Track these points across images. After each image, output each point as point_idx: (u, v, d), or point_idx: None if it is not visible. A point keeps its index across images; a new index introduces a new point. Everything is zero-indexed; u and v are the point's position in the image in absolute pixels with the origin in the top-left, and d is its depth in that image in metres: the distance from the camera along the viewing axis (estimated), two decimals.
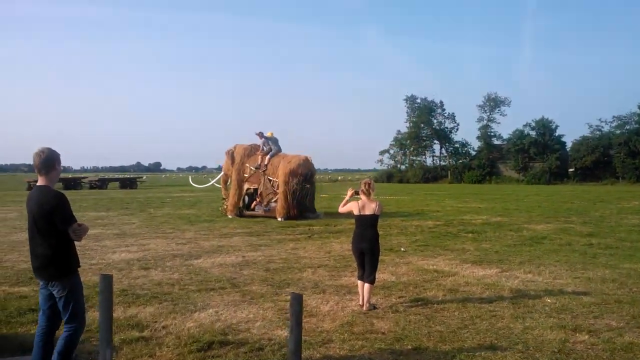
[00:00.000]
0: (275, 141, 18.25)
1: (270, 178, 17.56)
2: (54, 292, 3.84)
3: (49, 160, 3.85)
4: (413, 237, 12.35)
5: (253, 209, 17.96)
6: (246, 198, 18.40)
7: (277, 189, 17.14)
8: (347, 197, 6.29)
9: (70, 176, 57.38)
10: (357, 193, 6.29)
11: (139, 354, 4.56)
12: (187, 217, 17.47)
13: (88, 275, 7.72)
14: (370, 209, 6.14)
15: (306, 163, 17.49)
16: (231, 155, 18.72)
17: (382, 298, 6.58)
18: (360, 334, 5.17)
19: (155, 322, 5.50)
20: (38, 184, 3.91)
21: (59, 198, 3.81)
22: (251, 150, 18.53)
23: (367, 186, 6.21)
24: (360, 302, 6.17)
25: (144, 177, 64.92)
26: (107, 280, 3.39)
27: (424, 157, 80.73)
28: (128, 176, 62.78)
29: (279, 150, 18.22)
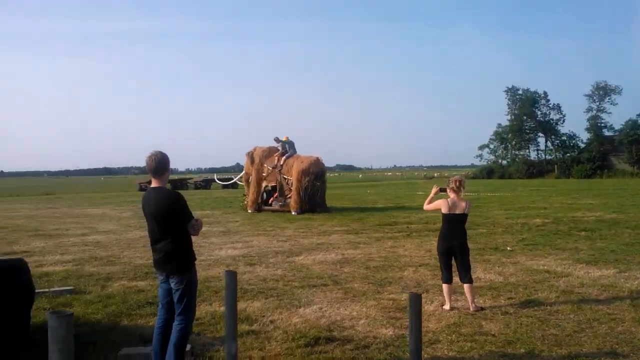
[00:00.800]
0: (291, 144, 20.27)
1: (286, 177, 19.46)
2: (172, 285, 4.05)
3: (162, 163, 4.07)
4: (519, 236, 11.76)
5: (270, 204, 19.91)
6: (264, 194, 20.29)
7: (292, 186, 18.91)
8: (431, 195, 6.14)
9: (176, 177, 61.05)
10: (442, 190, 6.11)
11: (249, 346, 4.72)
12: (284, 215, 17.88)
13: (198, 271, 8.17)
14: (460, 207, 5.94)
15: (317, 163, 19.42)
16: (251, 156, 20.52)
17: (489, 299, 6.32)
18: (469, 336, 4.99)
19: (263, 316, 5.67)
20: (152, 185, 4.13)
21: (177, 197, 4.05)
22: (269, 152, 20.37)
23: (457, 184, 6.00)
24: (449, 305, 5.99)
25: None
26: (232, 276, 3.53)
27: (527, 151, 76.43)
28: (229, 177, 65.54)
29: (294, 152, 20.10)
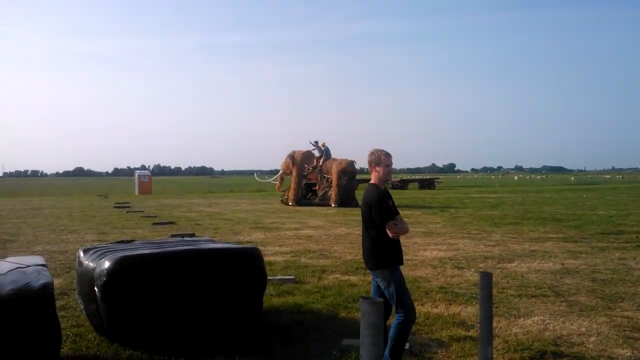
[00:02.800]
0: (327, 149, 24.40)
1: (325, 175, 23.56)
2: (379, 282, 4.12)
3: (370, 161, 4.19)
4: None
5: (309, 199, 24.02)
6: (303, 190, 24.24)
7: (331, 183, 23.07)
8: None
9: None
10: None
11: (468, 352, 4.56)
12: (490, 218, 17.08)
13: (404, 271, 8.21)
14: None
15: (351, 165, 23.37)
16: (292, 157, 24.57)
17: None
18: None
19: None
20: (371, 181, 4.27)
21: (376, 194, 4.08)
22: (307, 154, 24.66)
23: None
24: None
25: (440, 178, 66.48)
26: (487, 277, 3.46)
27: None
28: (426, 177, 65.25)
29: (330, 155, 24.21)
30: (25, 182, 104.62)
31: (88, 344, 4.70)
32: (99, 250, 4.92)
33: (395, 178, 57.67)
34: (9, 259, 4.21)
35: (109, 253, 4.70)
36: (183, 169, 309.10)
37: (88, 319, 5.01)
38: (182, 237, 6.86)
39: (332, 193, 22.75)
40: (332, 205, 22.28)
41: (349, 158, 23.74)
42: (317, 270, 8.28)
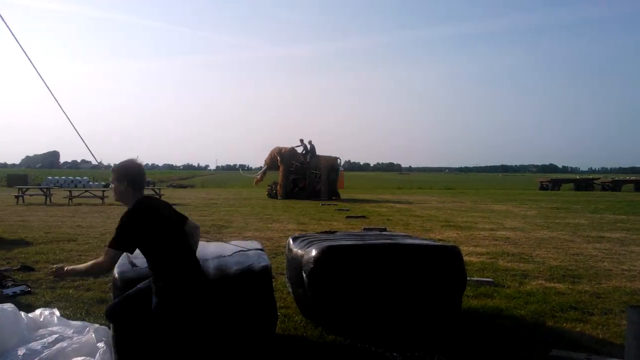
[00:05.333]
0: (313, 147, 26.45)
1: (314, 171, 25.80)
2: None
3: None
4: None
5: (295, 193, 25.70)
6: (291, 185, 26.08)
7: (319, 178, 25.63)
8: None
9: (578, 177, 56.96)
10: None
11: None
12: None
13: (622, 282, 7.31)
14: None
15: (335, 161, 26.80)
16: (280, 153, 26.41)
17: None
18: None
19: None
20: None
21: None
22: (292, 151, 26.58)
23: None
24: None
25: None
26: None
27: None
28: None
29: (315, 152, 26.44)
30: (236, 174, 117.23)
31: (295, 325, 5.05)
32: (306, 239, 5.27)
33: (607, 179, 51.57)
34: (232, 242, 4.72)
35: (315, 242, 5.00)
36: (372, 165, 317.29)
37: (295, 301, 5.40)
38: (381, 231, 6.99)
39: (322, 187, 25.59)
40: (322, 199, 24.72)
41: (333, 155, 27.46)
42: (517, 274, 7.77)
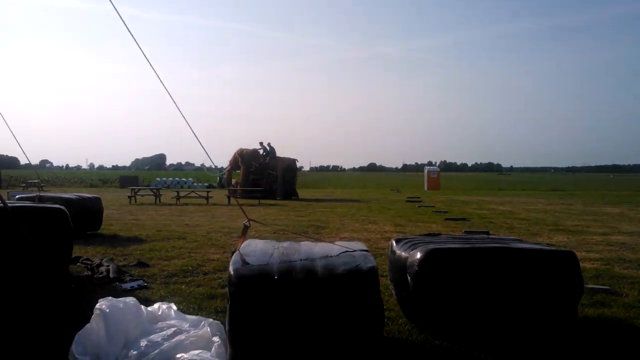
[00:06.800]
0: (272, 149, 28.21)
1: (271, 172, 27.11)
2: None
3: None
4: None
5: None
6: (250, 184, 27.04)
7: (276, 178, 26.93)
8: None
9: None
10: None
11: None
12: None
13: None
14: None
15: (293, 162, 28.31)
16: (241, 155, 28.32)
17: None
18: None
19: None
20: None
21: None
22: (254, 153, 28.41)
23: None
24: None
25: None
26: None
27: None
28: None
29: (275, 154, 28.08)
30: (328, 175, 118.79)
31: (399, 328, 4.98)
32: (410, 241, 5.18)
33: None
34: (337, 243, 4.75)
35: (420, 244, 4.90)
36: (469, 165, 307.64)
37: (398, 304, 5.33)
38: (487, 234, 6.73)
39: (279, 187, 26.79)
40: (278, 198, 26.04)
41: (292, 157, 28.54)
42: (636, 282, 7.16)
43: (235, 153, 29.45)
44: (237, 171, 29.69)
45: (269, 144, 28.77)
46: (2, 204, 5.54)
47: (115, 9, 4.73)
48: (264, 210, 18.99)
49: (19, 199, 10.47)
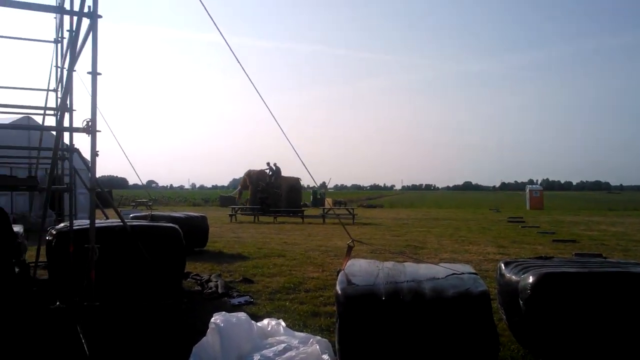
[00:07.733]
0: (278, 169, 30.97)
1: (276, 190, 29.86)
2: None
3: None
4: None
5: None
6: (259, 202, 28.07)
7: (281, 196, 29.65)
8: None
9: None
10: None
11: None
12: None
13: None
14: None
15: (297, 181, 31.42)
16: (249, 175, 31.86)
17: None
18: None
19: None
20: None
21: None
22: (261, 173, 31.35)
23: None
24: None
25: None
26: None
27: None
28: None
29: (280, 174, 30.92)
30: (421, 194, 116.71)
31: (512, 354, 4.78)
32: (520, 264, 4.96)
33: None
34: (442, 265, 4.66)
35: (531, 268, 4.68)
36: (574, 183, 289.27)
37: (509, 329, 5.10)
38: (601, 257, 6.29)
39: (282, 204, 28.24)
40: (282, 214, 25.95)
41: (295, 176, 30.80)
42: None
43: (244, 174, 32.84)
44: (246, 190, 32.85)
45: (275, 164, 31.22)
46: (122, 224, 6.02)
47: (224, 39, 5.05)
48: (359, 229, 19.03)
49: (134, 218, 11.29)
